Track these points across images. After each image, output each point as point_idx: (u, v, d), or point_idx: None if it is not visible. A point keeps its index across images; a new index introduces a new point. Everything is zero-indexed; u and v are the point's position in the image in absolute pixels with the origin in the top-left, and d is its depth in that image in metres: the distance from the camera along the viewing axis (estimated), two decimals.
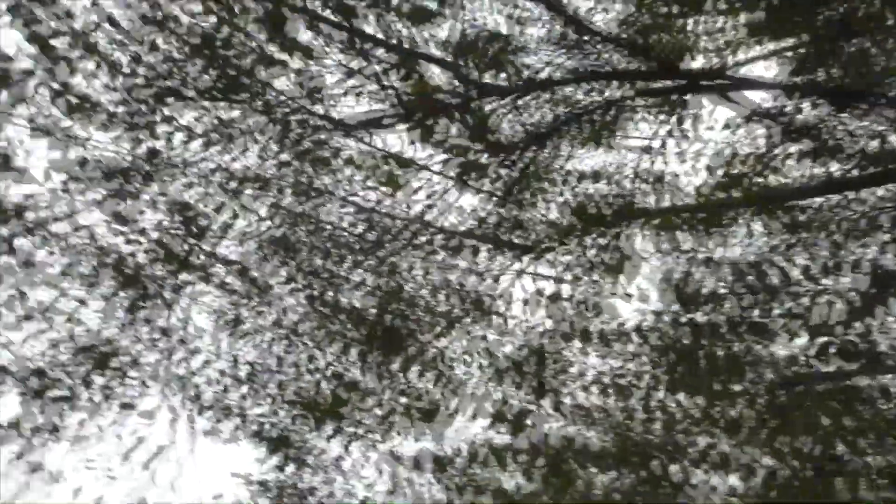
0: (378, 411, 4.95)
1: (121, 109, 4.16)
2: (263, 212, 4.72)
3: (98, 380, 5.05)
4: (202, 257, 4.89)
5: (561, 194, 4.81)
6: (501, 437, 4.79)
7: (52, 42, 3.71)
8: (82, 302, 4.89)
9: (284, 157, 4.61)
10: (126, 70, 4.03)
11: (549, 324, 4.83)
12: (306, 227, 4.80)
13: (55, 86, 3.93)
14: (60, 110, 4.04)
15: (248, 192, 4.66)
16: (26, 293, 4.78)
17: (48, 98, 3.95)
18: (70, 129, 4.16)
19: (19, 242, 4.59)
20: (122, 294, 4.91)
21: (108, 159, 4.33)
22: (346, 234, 4.83)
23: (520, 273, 4.82)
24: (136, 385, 5.08)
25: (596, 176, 4.80)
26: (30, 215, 4.46)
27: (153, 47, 4.02)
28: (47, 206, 4.46)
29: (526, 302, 4.77)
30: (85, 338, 4.97)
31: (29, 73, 3.81)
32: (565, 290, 4.76)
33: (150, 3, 3.92)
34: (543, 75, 4.54)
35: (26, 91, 3.92)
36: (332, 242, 4.82)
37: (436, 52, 4.39)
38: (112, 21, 3.86)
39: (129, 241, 4.76)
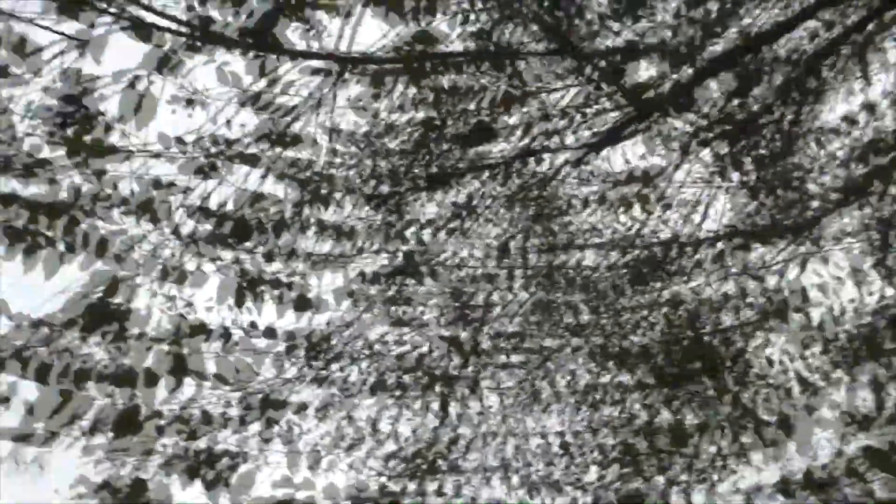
0: (707, 447, 4.47)
1: (376, 220, 4.65)
2: (522, 281, 4.80)
3: (431, 486, 5.30)
4: (486, 340, 5.05)
5: (831, 151, 4.23)
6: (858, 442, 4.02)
7: (303, 178, 4.34)
8: (399, 412, 5.27)
9: (528, 216, 4.72)
10: (363, 190, 4.53)
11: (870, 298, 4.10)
12: (568, 281, 4.76)
13: (318, 219, 4.54)
14: (329, 238, 4.63)
15: (505, 263, 4.80)
16: (353, 416, 5.30)
17: (315, 231, 4.55)
18: (342, 252, 4.72)
19: (332, 369, 5.16)
20: (429, 396, 5.21)
21: (377, 270, 4.80)
22: (609, 274, 4.68)
23: (808, 255, 4.22)
24: (464, 482, 5.22)
25: (871, 111, 4.12)
26: (334, 340, 5.03)
27: (378, 160, 4.49)
28: (345, 328, 5.01)
29: (822, 287, 4.12)
30: (409, 447, 5.30)
31: (297, 212, 4.46)
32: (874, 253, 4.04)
33: (368, 123, 4.44)
34: (770, 26, 4.03)
35: (301, 230, 4.58)
36: (596, 289, 4.70)
37: (647, 41, 4.14)
38: (343, 145, 4.42)
39: (416, 345, 5.11)
